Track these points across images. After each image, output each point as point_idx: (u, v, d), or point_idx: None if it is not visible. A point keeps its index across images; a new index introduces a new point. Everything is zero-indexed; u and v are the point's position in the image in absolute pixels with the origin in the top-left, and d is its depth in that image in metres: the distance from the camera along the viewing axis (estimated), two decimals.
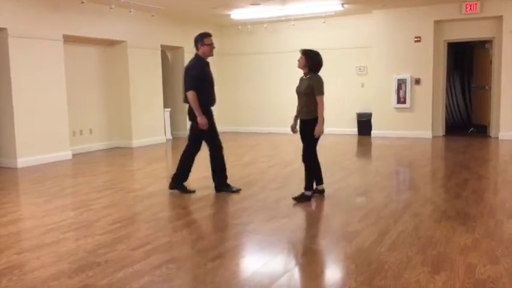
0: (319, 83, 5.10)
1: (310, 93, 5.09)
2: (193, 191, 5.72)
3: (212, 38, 5.58)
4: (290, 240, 4.13)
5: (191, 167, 5.76)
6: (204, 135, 5.55)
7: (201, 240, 4.04)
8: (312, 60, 5.15)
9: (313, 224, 4.42)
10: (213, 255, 3.63)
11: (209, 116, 5.48)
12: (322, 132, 5.12)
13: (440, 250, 3.60)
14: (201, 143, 5.68)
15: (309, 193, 5.19)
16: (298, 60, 5.21)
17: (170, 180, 5.87)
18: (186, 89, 5.42)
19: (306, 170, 5.24)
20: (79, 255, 3.69)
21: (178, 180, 5.76)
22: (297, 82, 5.33)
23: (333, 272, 3.37)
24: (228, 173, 5.81)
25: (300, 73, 5.33)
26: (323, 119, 5.10)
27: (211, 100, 5.59)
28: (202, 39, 5.51)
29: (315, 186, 5.32)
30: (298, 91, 5.26)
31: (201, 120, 5.38)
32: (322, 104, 5.07)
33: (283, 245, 4.06)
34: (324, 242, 3.91)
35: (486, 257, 3.44)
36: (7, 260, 3.61)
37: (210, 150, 5.65)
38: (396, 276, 3.13)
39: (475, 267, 3.26)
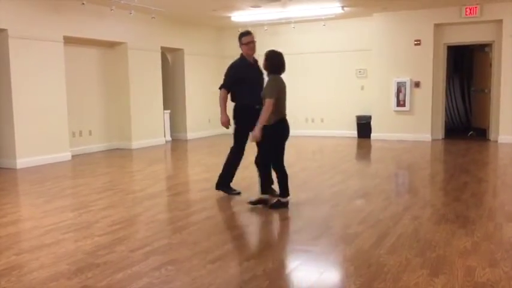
0: (272, 85, 4.85)
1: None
2: (239, 192, 5.64)
3: (251, 35, 5.51)
4: (289, 242, 4.13)
5: (236, 168, 5.67)
6: (236, 131, 5.53)
7: (200, 242, 4.03)
8: (270, 61, 4.94)
9: (312, 226, 4.41)
10: (212, 258, 3.63)
11: (246, 117, 5.26)
12: (258, 138, 4.82)
13: (440, 253, 3.60)
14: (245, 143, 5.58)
15: (285, 200, 4.99)
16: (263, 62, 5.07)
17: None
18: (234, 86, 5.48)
19: (277, 178, 5.02)
20: (78, 256, 3.68)
21: (223, 182, 5.68)
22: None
23: (332, 274, 3.36)
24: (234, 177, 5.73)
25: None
26: (261, 125, 4.79)
27: (251, 101, 5.26)
28: (240, 38, 5.53)
29: (259, 194, 5.13)
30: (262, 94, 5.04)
31: (223, 117, 5.49)
32: (267, 108, 4.75)
33: (283, 247, 4.07)
34: (324, 244, 3.90)
35: (485, 260, 3.44)
36: (6, 261, 3.61)
37: (232, 148, 5.58)
38: (395, 279, 3.13)
39: (474, 270, 3.26)
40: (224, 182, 5.65)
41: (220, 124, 5.69)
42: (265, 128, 4.84)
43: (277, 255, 3.81)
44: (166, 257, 3.62)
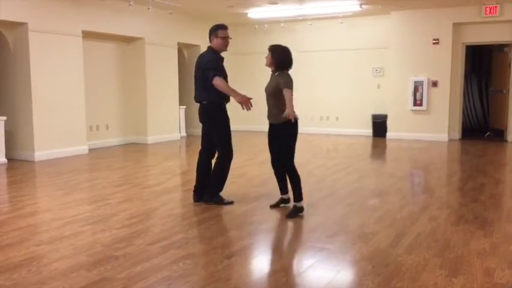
0: (288, 78, 4.57)
1: (279, 93, 4.56)
2: (231, 202, 5.16)
3: (228, 31, 5.05)
4: (306, 240, 4.13)
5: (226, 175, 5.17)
6: (217, 137, 5.03)
7: (217, 238, 4.05)
8: (278, 57, 4.62)
9: (328, 224, 4.40)
10: (228, 253, 3.64)
11: (225, 115, 5.04)
12: (294, 115, 4.47)
13: (458, 253, 3.58)
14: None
15: (300, 204, 4.70)
16: (266, 58, 4.71)
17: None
18: (204, 81, 4.88)
19: (291, 181, 4.75)
20: (97, 248, 3.73)
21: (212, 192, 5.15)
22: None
23: (349, 272, 3.35)
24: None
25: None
26: (292, 107, 4.49)
27: (227, 97, 5.01)
28: (216, 30, 5.02)
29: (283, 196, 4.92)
30: (266, 91, 4.75)
31: (243, 98, 4.79)
32: (291, 98, 4.48)
33: (299, 244, 4.07)
34: (340, 242, 3.90)
35: (505, 262, 3.40)
36: (26, 252, 3.66)
37: (219, 156, 5.06)
38: (414, 279, 3.11)
39: (493, 271, 3.23)
40: (215, 192, 5.11)
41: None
42: (276, 128, 4.67)
43: (294, 252, 3.82)
44: (184, 251, 3.65)
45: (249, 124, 12.46)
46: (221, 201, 5.09)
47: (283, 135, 4.65)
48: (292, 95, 4.53)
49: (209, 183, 5.12)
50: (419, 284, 3.03)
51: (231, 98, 4.99)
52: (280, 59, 4.64)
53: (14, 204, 5.28)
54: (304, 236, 4.24)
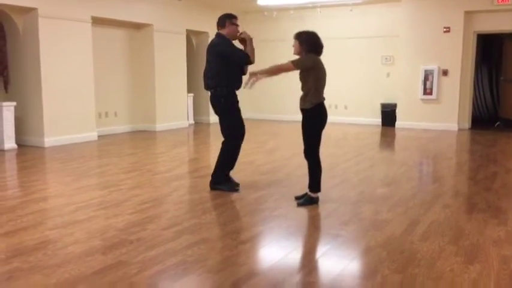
0: (302, 58, 4.45)
1: (306, 77, 4.45)
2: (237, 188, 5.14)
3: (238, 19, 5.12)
4: (319, 227, 4.12)
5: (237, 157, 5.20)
6: (225, 123, 5.06)
7: (230, 224, 4.05)
8: (306, 43, 4.45)
9: (341, 211, 4.39)
10: (243, 238, 3.65)
11: (234, 101, 5.05)
12: (255, 74, 4.55)
13: (473, 241, 3.56)
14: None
15: (314, 195, 4.58)
16: (293, 46, 4.56)
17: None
18: (219, 66, 4.90)
19: (309, 168, 4.57)
20: (111, 233, 3.73)
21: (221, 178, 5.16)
22: None
23: (365, 259, 3.34)
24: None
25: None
26: (266, 70, 4.58)
27: (238, 84, 5.04)
28: (230, 17, 5.04)
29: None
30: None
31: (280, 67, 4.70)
32: (281, 67, 4.51)
33: (313, 231, 4.06)
34: (354, 230, 3.88)
35: None
36: (41, 235, 3.68)
37: (224, 142, 5.07)
38: (429, 265, 3.10)
39: (509, 259, 3.21)
40: (221, 178, 5.11)
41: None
42: (303, 114, 4.52)
43: (308, 239, 3.82)
44: (198, 236, 3.65)
45: (257, 112, 12.43)
46: (227, 188, 5.05)
47: (306, 120, 4.50)
48: (286, 67, 4.42)
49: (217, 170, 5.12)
50: (435, 271, 3.02)
51: (242, 84, 4.98)
52: (308, 43, 4.46)
53: (25, 189, 5.30)
54: (318, 223, 4.23)
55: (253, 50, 5.05)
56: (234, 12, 5.27)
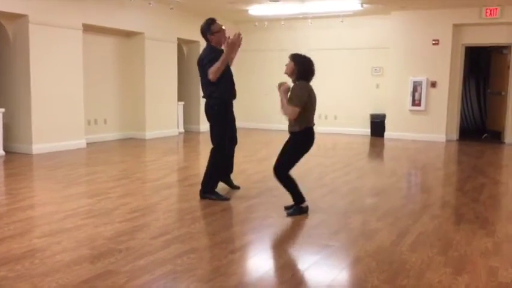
0: (298, 93, 4.38)
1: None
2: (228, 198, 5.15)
3: (219, 23, 5.01)
4: (309, 236, 4.12)
5: (229, 166, 5.39)
6: (214, 129, 5.04)
7: (220, 233, 4.04)
8: (302, 66, 4.45)
9: (330, 221, 4.40)
10: (232, 248, 3.63)
11: (229, 111, 5.10)
12: (287, 86, 4.44)
13: (461, 252, 3.58)
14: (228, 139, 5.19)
15: (303, 205, 4.59)
16: (286, 65, 4.51)
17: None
18: (205, 78, 4.88)
19: (283, 186, 4.59)
20: (99, 241, 3.70)
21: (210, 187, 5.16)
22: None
23: (354, 270, 3.34)
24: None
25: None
26: (283, 102, 4.41)
27: (232, 94, 5.13)
28: (209, 26, 4.94)
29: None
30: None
31: (231, 43, 4.72)
32: (289, 111, 4.37)
33: (303, 241, 4.06)
34: (343, 240, 3.89)
35: (508, 261, 3.41)
36: (28, 244, 3.64)
37: (212, 151, 5.07)
38: (419, 276, 3.11)
39: (497, 270, 3.24)
40: (211, 188, 5.12)
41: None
42: (293, 136, 4.53)
43: (298, 249, 3.81)
44: (188, 246, 3.63)
45: (248, 121, 12.45)
46: (217, 197, 5.05)
47: (293, 141, 4.52)
48: (295, 113, 4.34)
49: (205, 178, 5.13)
50: (424, 282, 3.03)
51: (237, 93, 5.11)
52: (303, 68, 4.46)
53: (13, 196, 5.24)
54: (307, 233, 4.23)
55: (225, 59, 4.80)
56: (225, 22, 5.24)
